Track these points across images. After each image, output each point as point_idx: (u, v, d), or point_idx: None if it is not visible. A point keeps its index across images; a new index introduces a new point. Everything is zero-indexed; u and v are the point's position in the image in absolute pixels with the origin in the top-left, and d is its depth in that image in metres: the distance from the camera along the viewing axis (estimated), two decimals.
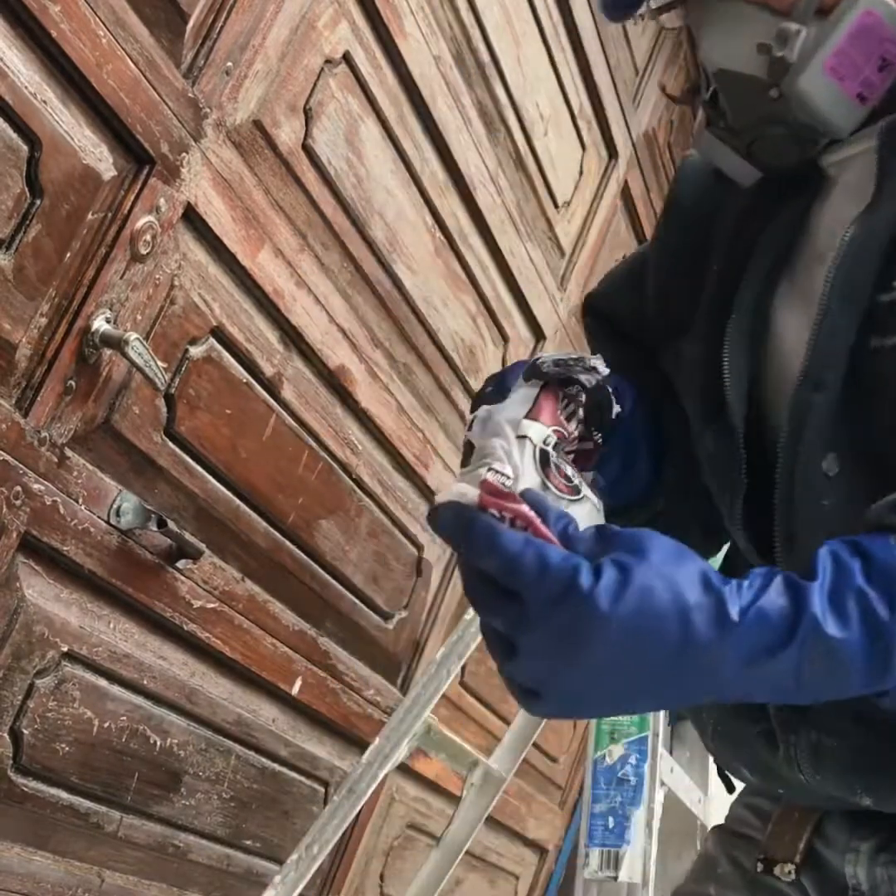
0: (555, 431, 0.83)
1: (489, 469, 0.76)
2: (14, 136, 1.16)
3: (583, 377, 0.88)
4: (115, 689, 1.48)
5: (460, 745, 1.67)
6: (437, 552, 2.18)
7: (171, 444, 1.47)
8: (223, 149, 1.44)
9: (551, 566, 0.67)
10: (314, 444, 1.74)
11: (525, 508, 0.71)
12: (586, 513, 0.79)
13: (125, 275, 1.32)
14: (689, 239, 1.09)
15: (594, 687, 0.70)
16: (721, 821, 1.15)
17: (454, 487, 0.74)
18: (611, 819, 1.28)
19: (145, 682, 1.52)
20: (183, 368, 1.46)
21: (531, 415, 0.83)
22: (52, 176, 1.21)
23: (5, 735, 1.33)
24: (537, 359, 0.89)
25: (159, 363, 1.34)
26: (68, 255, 1.26)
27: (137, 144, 1.31)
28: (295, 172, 1.58)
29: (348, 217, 1.71)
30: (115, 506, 1.39)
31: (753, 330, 0.98)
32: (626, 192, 2.66)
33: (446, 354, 2.04)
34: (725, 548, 1.12)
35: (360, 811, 1.48)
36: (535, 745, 2.47)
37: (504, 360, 2.25)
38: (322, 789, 1.97)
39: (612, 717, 1.33)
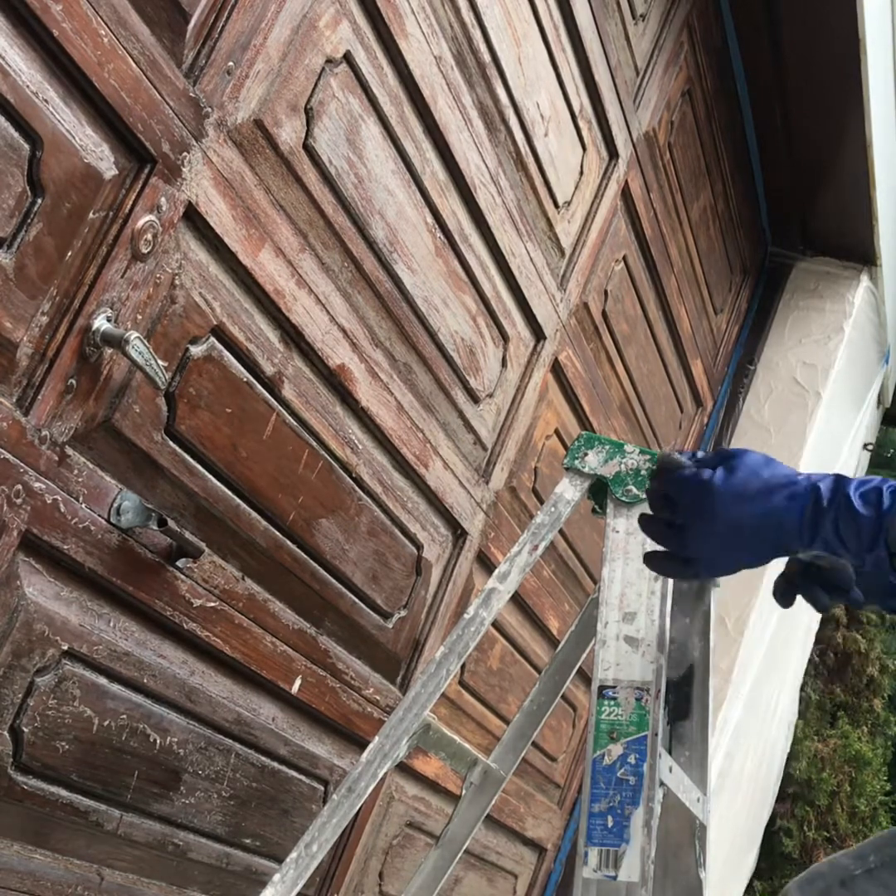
0: None
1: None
2: (15, 134, 1.16)
3: None
4: (115, 688, 1.48)
5: (460, 743, 1.67)
6: (436, 551, 2.18)
7: (171, 443, 1.47)
8: (224, 148, 1.44)
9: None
10: (314, 444, 1.75)
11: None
12: None
13: (126, 274, 1.33)
14: None
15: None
16: (720, 820, 1.15)
17: None
18: (610, 818, 1.28)
19: (145, 680, 1.52)
20: (183, 367, 1.47)
21: None
22: (53, 175, 1.21)
23: (5, 733, 1.33)
24: None
25: (160, 362, 1.34)
26: (69, 253, 1.26)
27: (139, 143, 1.31)
28: (296, 172, 1.58)
29: (349, 217, 1.71)
30: (115, 504, 1.40)
31: None
32: (626, 192, 2.66)
33: (446, 354, 2.04)
34: None
35: (359, 810, 1.48)
36: (535, 744, 2.47)
37: (504, 360, 2.25)
38: (321, 788, 1.98)
39: (610, 717, 1.34)
